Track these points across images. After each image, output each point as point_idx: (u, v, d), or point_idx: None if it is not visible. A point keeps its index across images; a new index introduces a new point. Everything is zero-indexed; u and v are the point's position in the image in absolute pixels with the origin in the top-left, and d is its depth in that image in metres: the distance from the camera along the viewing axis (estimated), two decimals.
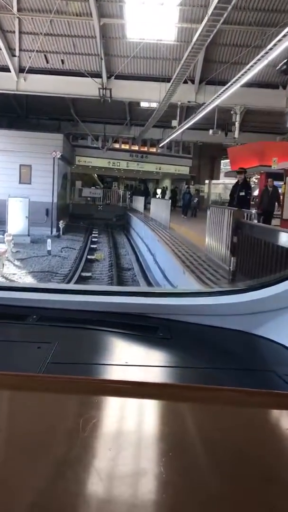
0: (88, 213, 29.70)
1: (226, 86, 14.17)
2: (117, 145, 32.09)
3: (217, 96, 15.06)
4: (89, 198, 30.69)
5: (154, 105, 22.30)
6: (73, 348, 1.19)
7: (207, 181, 34.62)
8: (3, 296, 1.39)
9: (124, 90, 17.42)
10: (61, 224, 21.08)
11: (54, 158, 20.39)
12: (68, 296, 1.45)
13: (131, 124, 28.69)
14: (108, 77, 17.20)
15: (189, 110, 20.66)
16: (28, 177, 21.00)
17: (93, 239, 20.74)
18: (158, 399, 0.84)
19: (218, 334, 1.31)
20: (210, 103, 15.47)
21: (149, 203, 21.00)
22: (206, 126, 29.68)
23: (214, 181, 35.27)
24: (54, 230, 21.21)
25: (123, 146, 32.20)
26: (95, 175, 41.38)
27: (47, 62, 16.70)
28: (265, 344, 1.24)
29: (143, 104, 26.79)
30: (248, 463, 0.65)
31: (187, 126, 18.13)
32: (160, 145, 28.54)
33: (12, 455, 0.66)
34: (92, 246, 18.55)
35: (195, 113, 16.57)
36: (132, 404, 0.85)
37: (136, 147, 32.46)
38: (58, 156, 20.44)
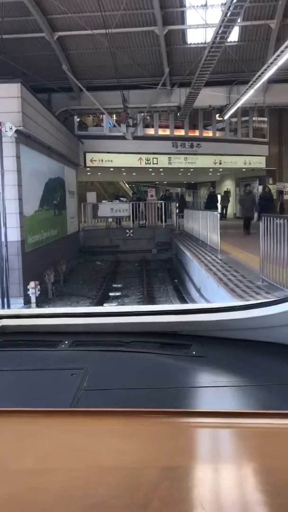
0: (109, 243, 17.78)
1: None
2: (151, 131, 20.07)
3: None
4: (110, 219, 18.63)
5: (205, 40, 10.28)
6: (105, 373, 1.17)
7: None
8: (34, 323, 1.39)
9: None
10: (32, 291, 9.18)
11: None
12: (97, 319, 1.42)
13: (172, 84, 16.49)
14: None
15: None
16: None
17: None
18: (201, 427, 0.83)
19: (253, 348, 1.27)
20: None
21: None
22: None
23: None
24: (20, 306, 9.34)
25: (160, 132, 20.13)
26: (124, 182, 29.53)
27: None
28: None
29: (192, 39, 14.61)
30: None
31: None
32: (226, 116, 16.15)
33: (50, 498, 0.64)
34: None
35: None
36: (172, 434, 0.82)
37: (181, 132, 20.28)
38: (10, 132, 8.60)
